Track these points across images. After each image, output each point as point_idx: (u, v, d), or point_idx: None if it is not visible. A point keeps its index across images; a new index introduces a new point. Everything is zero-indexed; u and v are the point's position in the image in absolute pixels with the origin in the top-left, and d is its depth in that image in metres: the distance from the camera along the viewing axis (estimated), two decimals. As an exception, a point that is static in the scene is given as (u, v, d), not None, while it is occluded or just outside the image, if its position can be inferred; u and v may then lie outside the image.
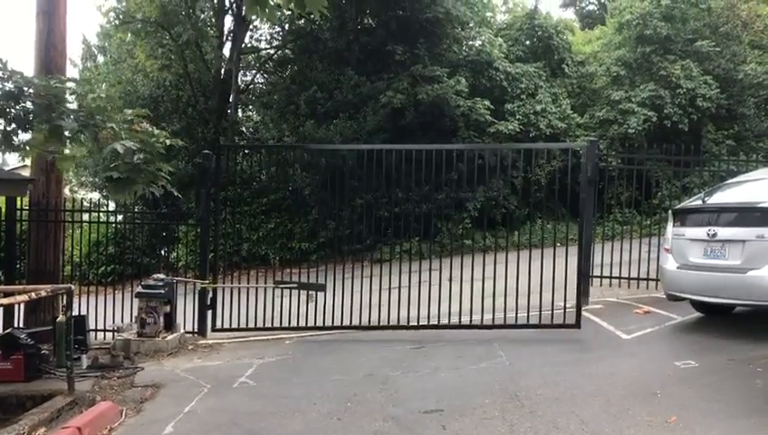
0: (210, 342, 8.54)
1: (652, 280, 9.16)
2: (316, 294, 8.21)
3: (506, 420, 4.92)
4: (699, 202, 7.36)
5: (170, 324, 8.45)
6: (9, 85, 6.17)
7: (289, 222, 18.99)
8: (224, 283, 9.03)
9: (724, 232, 6.69)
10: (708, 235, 6.79)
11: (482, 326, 7.89)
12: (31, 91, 6.23)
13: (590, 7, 34.14)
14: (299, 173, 18.39)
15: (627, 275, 9.41)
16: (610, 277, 9.47)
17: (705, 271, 6.81)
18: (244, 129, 23.24)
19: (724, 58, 20.12)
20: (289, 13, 20.51)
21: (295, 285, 8.28)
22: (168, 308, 8.39)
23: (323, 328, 8.26)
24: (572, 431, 4.61)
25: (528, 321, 7.87)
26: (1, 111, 6.18)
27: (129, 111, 6.87)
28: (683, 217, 7.43)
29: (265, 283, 8.50)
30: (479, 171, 8.71)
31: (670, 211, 7.82)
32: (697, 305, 7.70)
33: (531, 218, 17.72)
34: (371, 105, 18.54)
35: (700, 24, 20.62)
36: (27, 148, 6.92)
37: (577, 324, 7.55)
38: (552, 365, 6.32)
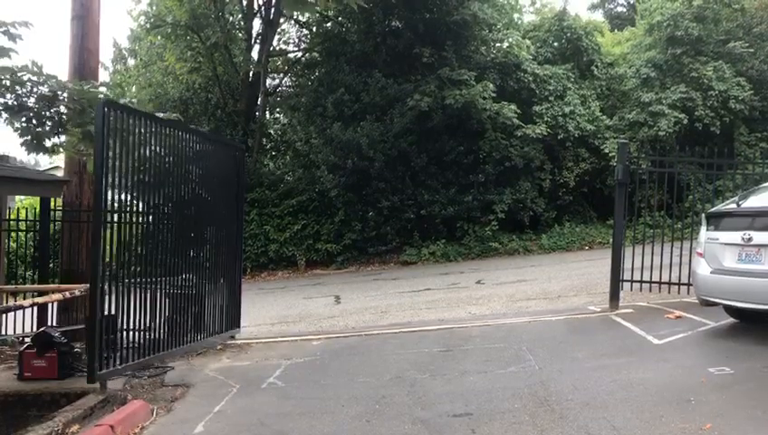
0: (239, 342, 8.60)
1: (684, 284, 9.00)
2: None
3: (536, 425, 4.87)
4: (734, 206, 7.21)
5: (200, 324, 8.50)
6: (44, 89, 6.27)
7: (315, 224, 19.13)
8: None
9: (759, 236, 6.54)
10: (743, 239, 6.66)
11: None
12: (65, 95, 6.33)
13: (620, 9, 33.80)
14: (326, 175, 18.47)
15: (658, 280, 9.26)
16: (641, 281, 9.33)
17: (739, 276, 6.67)
18: (271, 131, 23.42)
19: (758, 59, 19.77)
20: (317, 15, 20.63)
21: None
22: (196, 308, 8.44)
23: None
24: (604, 438, 4.55)
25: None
26: (36, 114, 6.29)
27: (161, 115, 6.95)
28: (717, 220, 7.29)
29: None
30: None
31: (703, 215, 7.68)
32: (731, 311, 7.54)
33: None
34: (398, 107, 18.55)
35: (733, 25, 20.30)
36: (61, 149, 7.05)
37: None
38: (582, 370, 6.24)
